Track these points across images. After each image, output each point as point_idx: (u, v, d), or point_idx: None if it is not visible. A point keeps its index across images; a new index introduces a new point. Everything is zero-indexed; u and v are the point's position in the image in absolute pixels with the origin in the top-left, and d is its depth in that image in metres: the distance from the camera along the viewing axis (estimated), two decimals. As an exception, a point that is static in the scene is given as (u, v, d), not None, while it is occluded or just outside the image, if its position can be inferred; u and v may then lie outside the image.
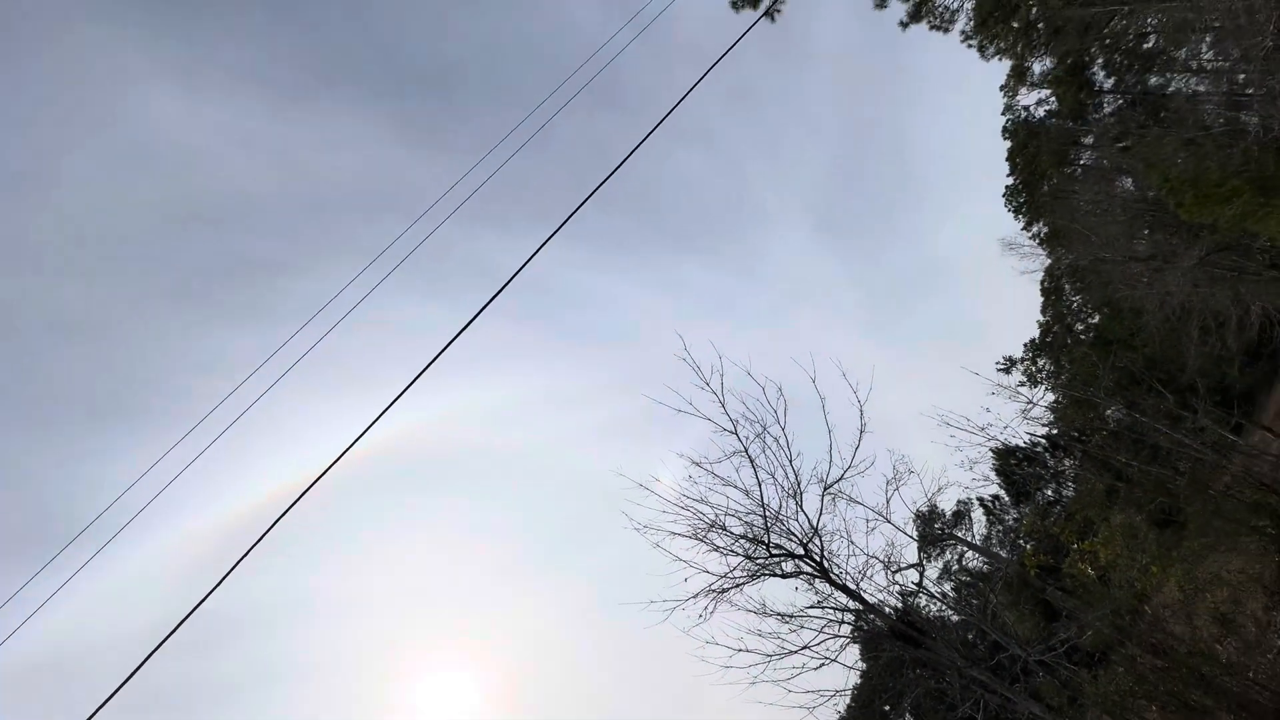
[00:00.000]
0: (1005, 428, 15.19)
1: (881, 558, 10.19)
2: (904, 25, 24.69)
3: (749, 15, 22.97)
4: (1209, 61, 24.18)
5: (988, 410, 14.98)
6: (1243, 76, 20.90)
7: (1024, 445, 28.29)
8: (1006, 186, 36.41)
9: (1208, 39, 22.24)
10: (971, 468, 15.28)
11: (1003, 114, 33.11)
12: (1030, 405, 15.79)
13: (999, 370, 28.97)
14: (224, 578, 5.32)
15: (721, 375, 9.88)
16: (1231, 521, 10.53)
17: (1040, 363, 30.54)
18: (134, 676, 4.72)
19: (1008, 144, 33.85)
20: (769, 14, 23.00)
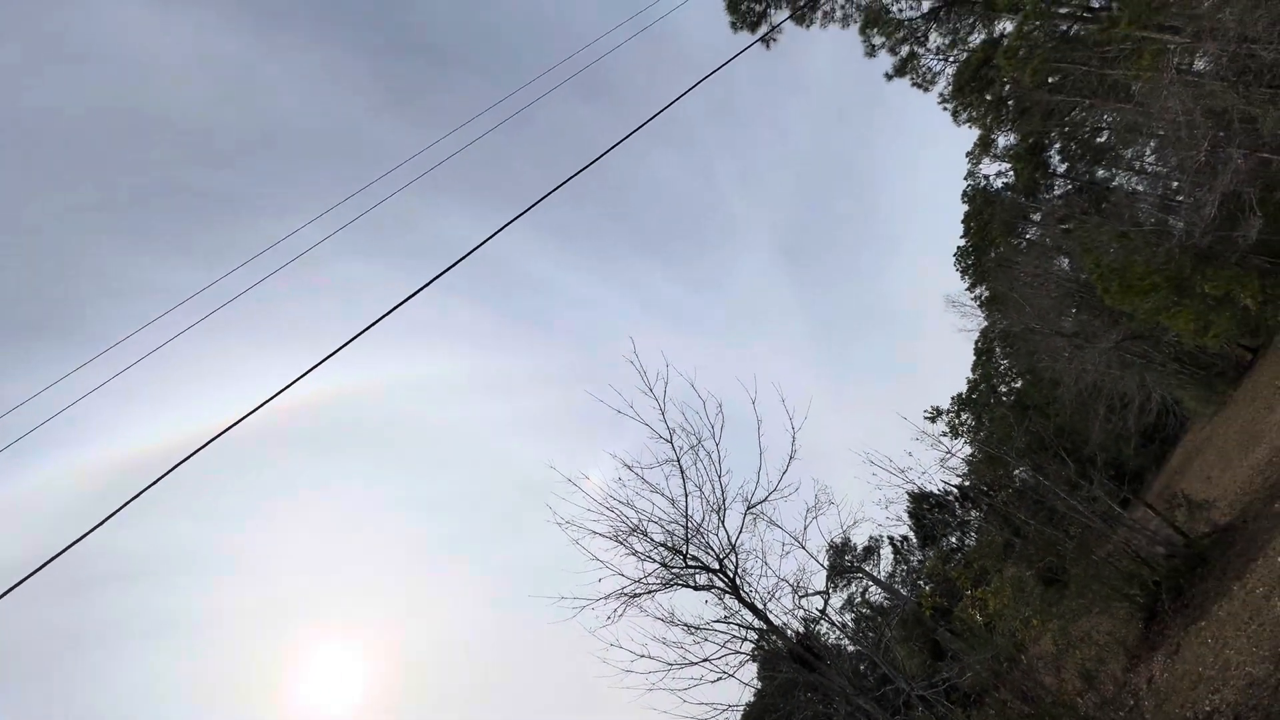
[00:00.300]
0: (923, 473, 15.99)
1: (791, 582, 10.46)
2: (889, 77, 25.72)
3: (746, 38, 23.37)
4: (1150, 165, 26.29)
5: (910, 454, 15.71)
6: (1176, 184, 22.81)
7: (938, 492, 29.81)
8: (958, 247, 38.38)
9: (1152, 144, 24.17)
10: (887, 507, 15.99)
11: (965, 178, 34.93)
12: (949, 455, 16.65)
13: (926, 418, 30.51)
14: (110, 516, 4.96)
15: (666, 383, 9.95)
16: (1107, 587, 11.40)
17: (964, 416, 32.26)
18: (-14, 612, 4.32)
19: (965, 207, 35.72)
20: (764, 40, 23.49)
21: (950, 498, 30.03)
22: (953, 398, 34.58)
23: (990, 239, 34.32)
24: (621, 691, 9.03)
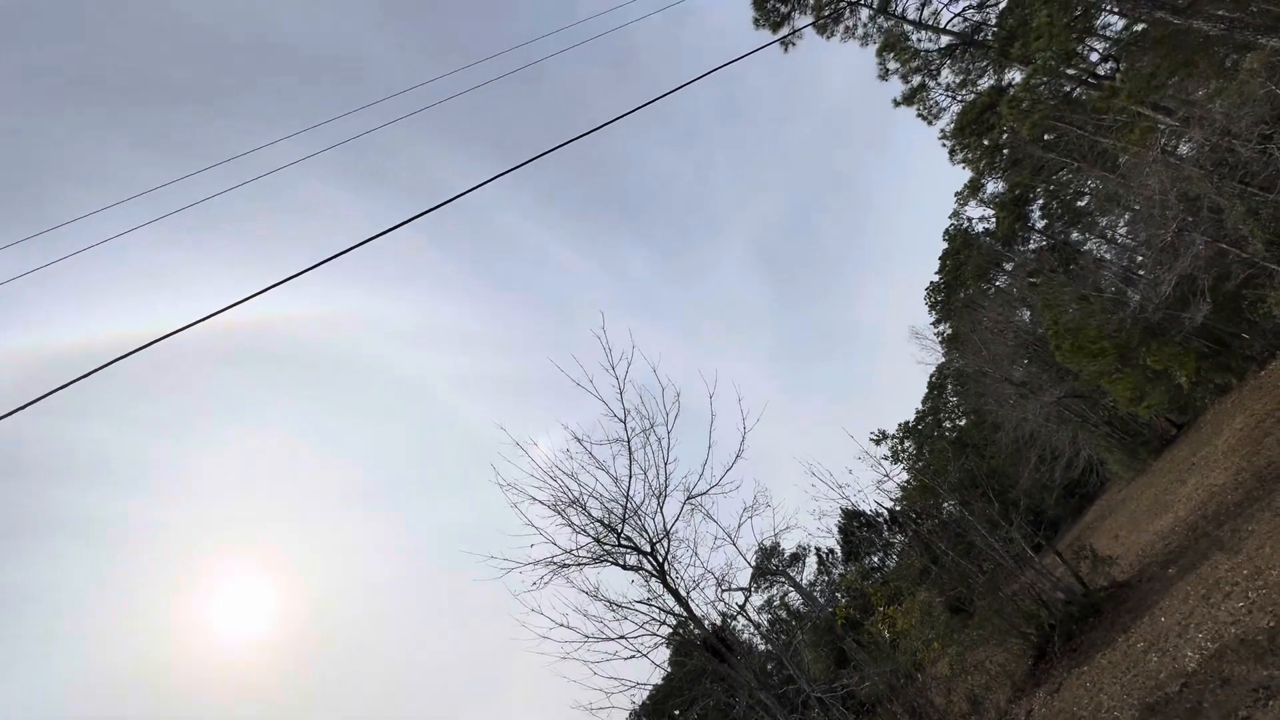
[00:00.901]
0: (859, 492, 16.56)
1: (716, 575, 10.74)
2: (896, 103, 26.02)
3: (766, 35, 23.26)
4: (1121, 236, 27.44)
5: (850, 472, 16.23)
6: (1140, 259, 23.91)
7: (869, 512, 30.90)
8: (931, 282, 39.43)
9: (1126, 216, 25.23)
10: (820, 518, 16.55)
11: (950, 217, 35.80)
12: (886, 479, 17.27)
13: (871, 439, 31.49)
14: (29, 404, 4.74)
15: (629, 364, 9.99)
16: (1007, 622, 12.09)
17: (907, 444, 33.41)
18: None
19: (944, 245, 36.65)
20: (784, 43, 23.42)
21: (880, 519, 31.16)
22: (900, 425, 35.74)
23: (962, 280, 35.36)
24: (535, 657, 9.15)
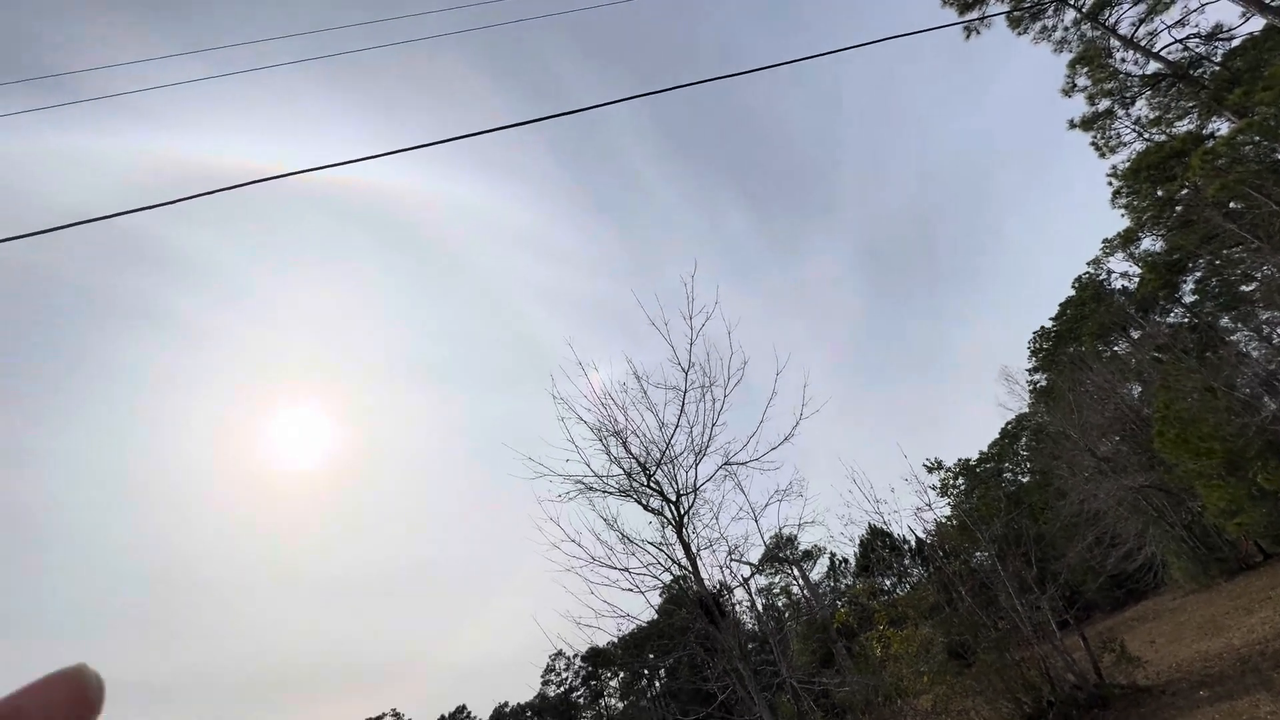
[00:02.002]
0: (894, 512, 16.10)
1: (730, 543, 10.88)
2: (1071, 125, 23.48)
3: (951, 15, 21.27)
4: (1277, 337, 24.32)
5: (892, 490, 15.74)
6: (1293, 366, 21.20)
7: (897, 535, 30.16)
8: (1042, 328, 36.53)
9: (1294, 316, 22.26)
10: (846, 525, 16.28)
11: (1088, 264, 32.69)
12: (928, 508, 16.71)
13: (924, 465, 30.37)
14: (161, 205, 5.22)
15: (707, 318, 9.94)
16: (1005, 684, 11.75)
17: (959, 481, 32.02)
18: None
19: (1071, 291, 33.67)
20: (968, 28, 21.37)
21: (906, 545, 30.41)
22: (958, 461, 34.20)
23: (1078, 334, 32.57)
24: (542, 560, 9.69)
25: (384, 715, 57.90)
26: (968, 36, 22.17)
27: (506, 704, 59.47)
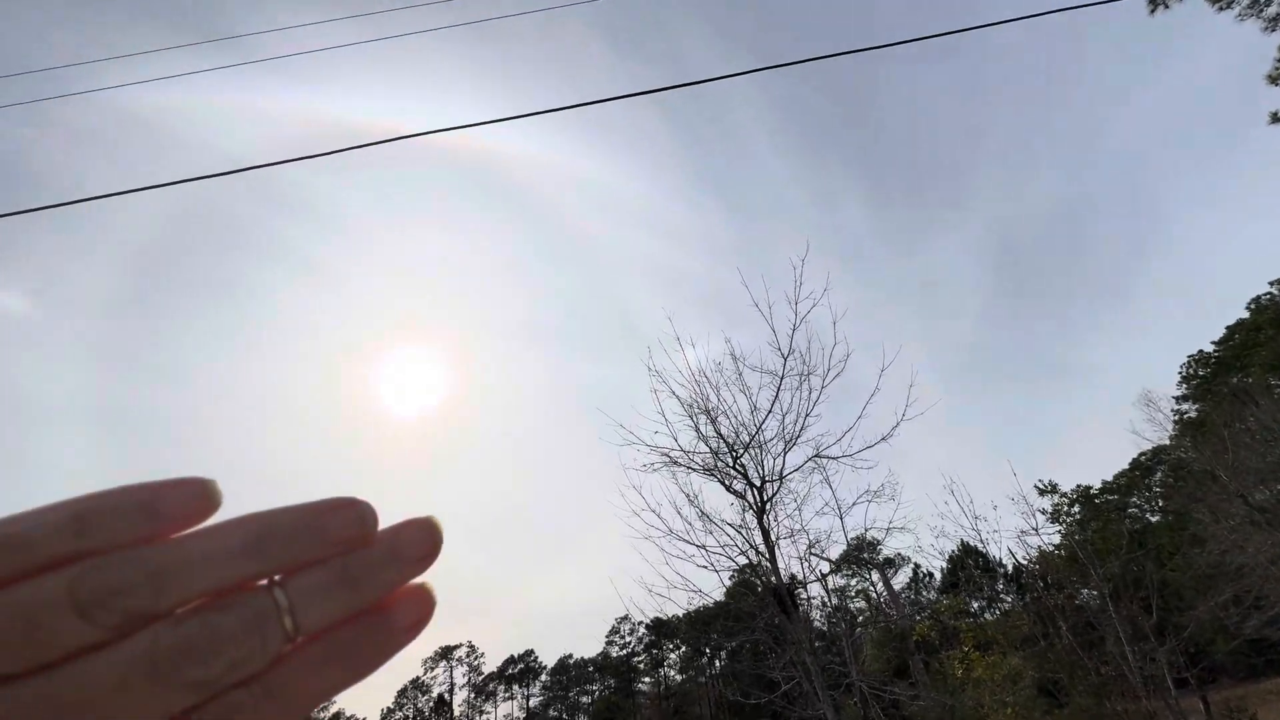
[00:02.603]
0: (994, 531, 14.97)
1: (811, 537, 10.64)
2: (1274, 119, 20.01)
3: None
4: None
5: (994, 508, 14.67)
6: None
7: (992, 557, 28.12)
8: (1201, 351, 32.15)
9: None
10: (937, 538, 15.34)
11: (1271, 284, 28.23)
12: (1034, 532, 15.42)
13: (1036, 486, 27.91)
14: (318, 155, 5.70)
15: (814, 305, 9.61)
16: (1100, 735, 10.76)
17: (1074, 510, 29.24)
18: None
19: (1245, 314, 29.27)
20: (1155, 1, 18.64)
21: (1001, 569, 28.34)
22: (1077, 487, 31.09)
23: (1245, 362, 28.33)
24: (621, 525, 9.97)
25: (460, 645, 62.79)
26: (1153, 10, 19.34)
27: (570, 655, 62.45)
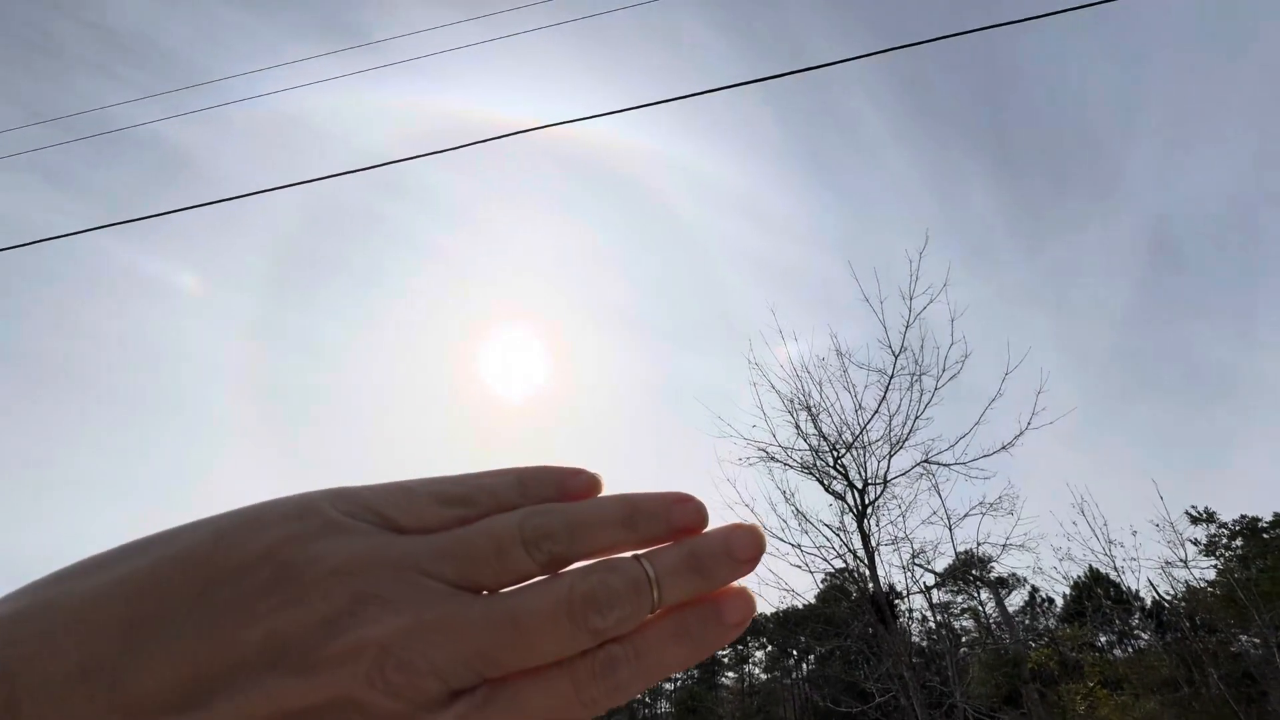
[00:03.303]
0: (1130, 559, 13.35)
1: (915, 546, 10.08)
2: None
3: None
4: None
5: (1133, 533, 13.06)
6: None
7: (1127, 588, 25.16)
8: None
9: None
10: (1061, 560, 13.93)
11: None
12: (1180, 564, 13.59)
13: (1188, 514, 24.55)
14: (429, 154, 6.08)
15: (931, 300, 9.03)
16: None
17: (1236, 544, 25.46)
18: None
19: None
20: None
21: (1138, 602, 25.31)
22: (1240, 518, 27.00)
23: None
24: (714, 518, 9.95)
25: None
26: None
27: (656, 641, 63.29)
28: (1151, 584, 13.50)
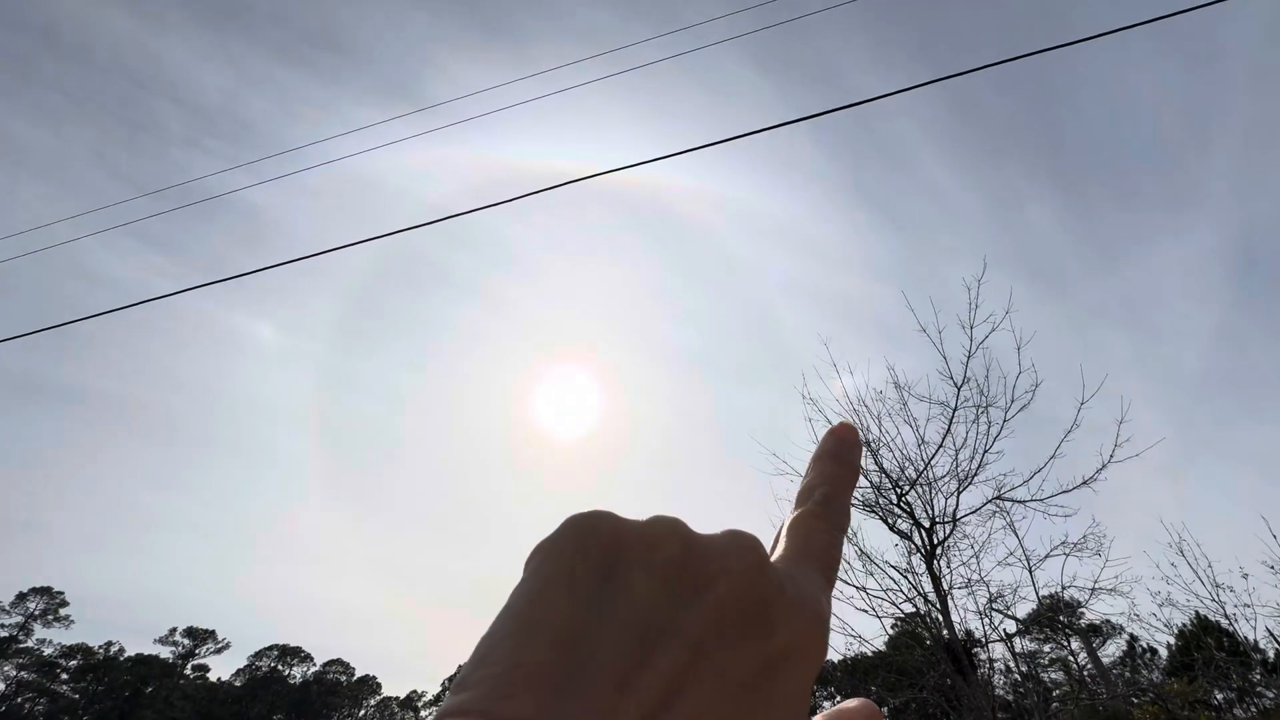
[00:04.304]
0: (1243, 605, 11.98)
1: (991, 590, 9.44)
2: None
3: None
4: None
5: (1245, 575, 11.78)
6: None
7: (1243, 638, 22.59)
8: None
9: None
10: (1161, 606, 12.63)
11: None
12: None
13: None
14: (489, 206, 6.38)
15: (994, 328, 8.68)
16: None
17: (1370, 588, 22.54)
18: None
19: None
20: None
21: (1257, 654, 22.64)
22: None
23: None
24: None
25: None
26: None
27: (717, 688, 60.85)
28: (1271, 634, 12.05)
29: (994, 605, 8.97)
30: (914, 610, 9.19)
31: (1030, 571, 9.57)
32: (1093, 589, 8.66)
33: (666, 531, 0.25)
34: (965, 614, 9.00)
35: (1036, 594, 9.53)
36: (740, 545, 0.25)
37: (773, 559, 0.28)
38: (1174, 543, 12.01)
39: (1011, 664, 13.59)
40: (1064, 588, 9.38)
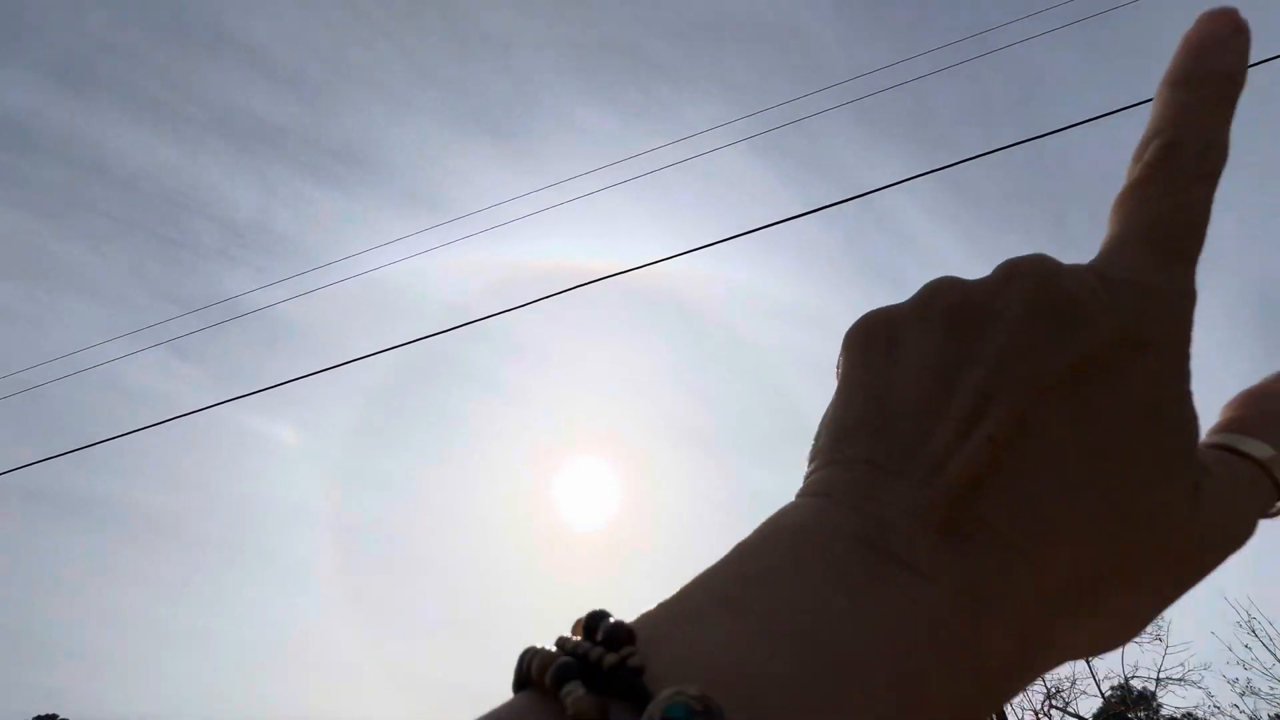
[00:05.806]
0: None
1: (1049, 686, 8.77)
2: None
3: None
4: None
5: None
6: None
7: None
8: None
9: None
10: (1243, 695, 11.49)
11: None
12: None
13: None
14: (512, 309, 6.71)
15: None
16: None
17: None
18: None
19: None
20: None
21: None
22: None
23: None
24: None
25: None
26: None
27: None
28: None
29: (1053, 702, 8.28)
30: None
31: (1088, 662, 8.91)
32: (1157, 679, 8.00)
33: (935, 286, 0.24)
34: (1022, 713, 8.31)
35: (1098, 686, 8.81)
36: (1022, 263, 0.23)
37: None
38: (1243, 621, 11.14)
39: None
40: (1127, 678, 8.68)
